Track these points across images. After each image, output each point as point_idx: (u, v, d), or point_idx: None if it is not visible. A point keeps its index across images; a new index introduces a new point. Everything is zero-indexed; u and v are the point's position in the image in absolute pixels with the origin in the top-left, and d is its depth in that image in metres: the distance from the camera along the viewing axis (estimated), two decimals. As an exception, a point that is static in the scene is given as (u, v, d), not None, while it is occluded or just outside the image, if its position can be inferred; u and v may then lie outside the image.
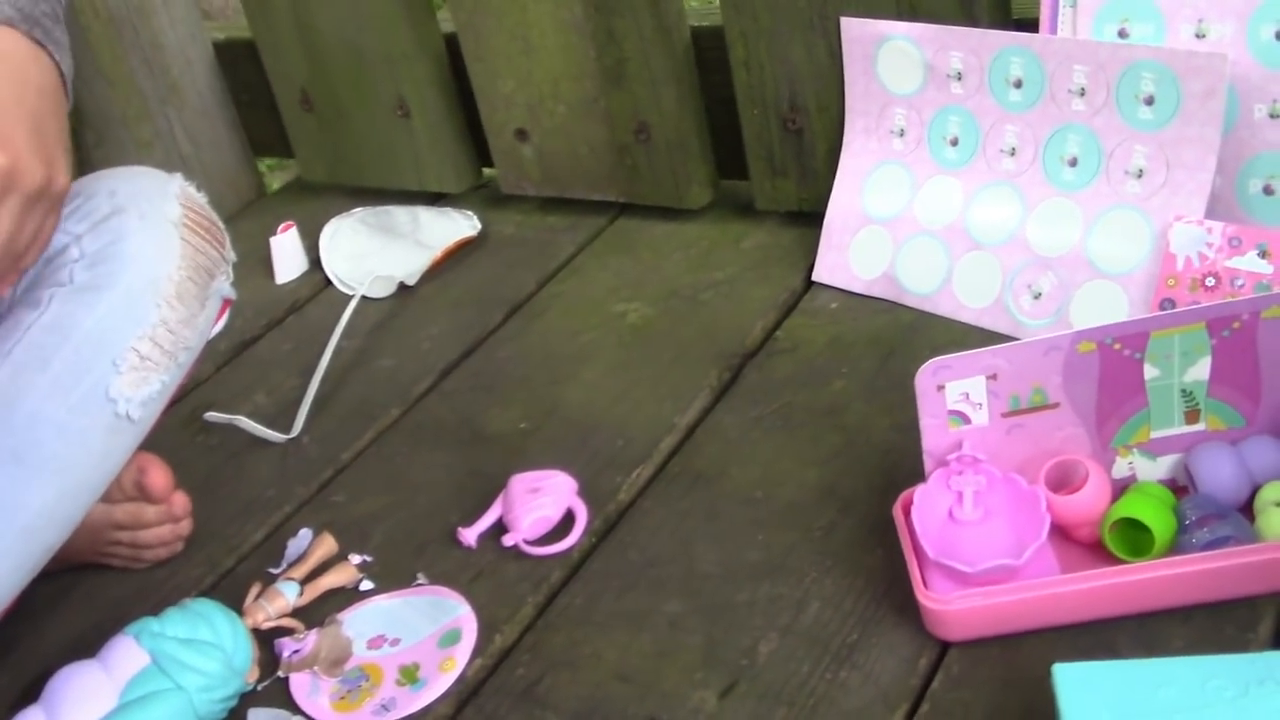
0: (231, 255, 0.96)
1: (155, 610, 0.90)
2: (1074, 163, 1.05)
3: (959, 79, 1.10)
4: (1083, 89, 1.03)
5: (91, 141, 1.62)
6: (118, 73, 1.57)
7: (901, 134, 1.16)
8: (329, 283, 1.41)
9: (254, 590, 0.91)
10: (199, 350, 0.94)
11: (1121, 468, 0.81)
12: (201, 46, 1.63)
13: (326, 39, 1.49)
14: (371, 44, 1.46)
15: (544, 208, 1.45)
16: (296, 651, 0.88)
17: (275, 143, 1.71)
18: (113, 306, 0.87)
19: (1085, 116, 1.03)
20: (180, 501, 1.00)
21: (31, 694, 0.90)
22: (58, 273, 0.88)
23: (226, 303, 0.96)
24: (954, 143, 1.12)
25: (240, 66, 1.64)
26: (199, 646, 0.83)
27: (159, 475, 0.98)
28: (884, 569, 0.85)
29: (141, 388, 0.88)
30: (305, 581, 0.93)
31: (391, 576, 0.95)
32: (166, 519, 1.00)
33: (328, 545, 0.96)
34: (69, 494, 0.88)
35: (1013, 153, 1.08)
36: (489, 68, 1.39)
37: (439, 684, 0.84)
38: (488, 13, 1.35)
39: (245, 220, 1.62)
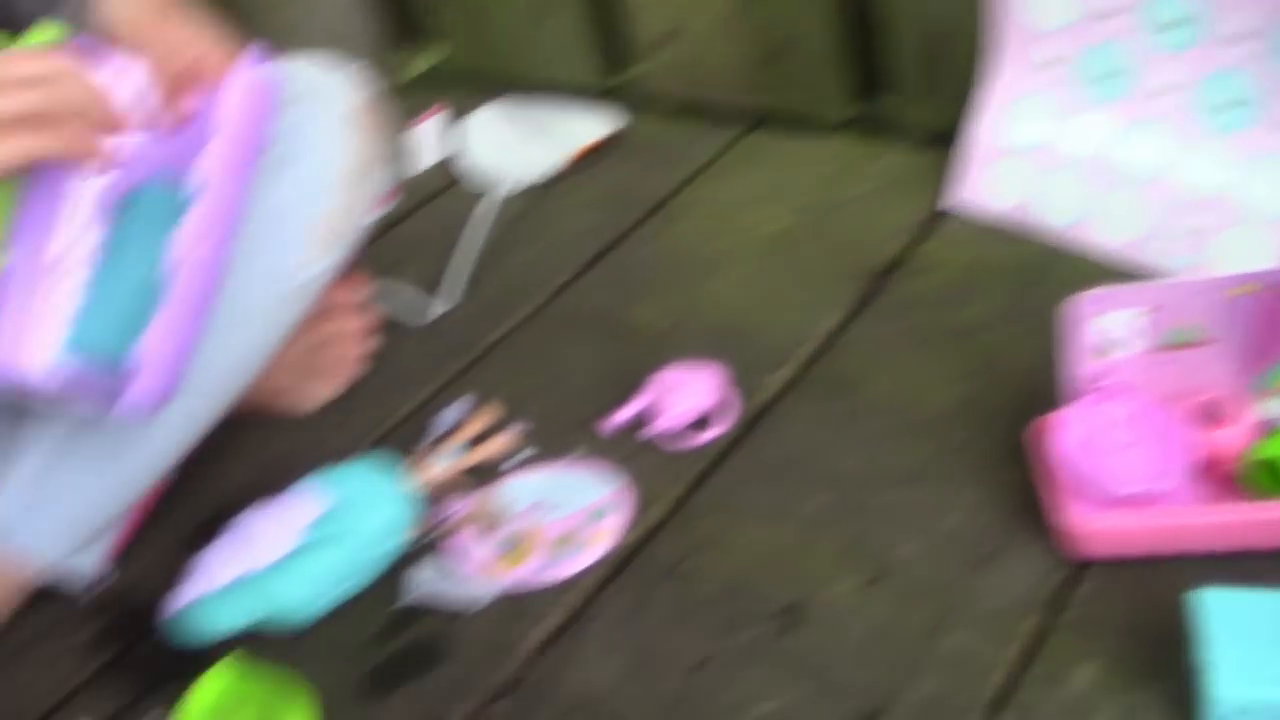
0: (396, 145, 1.01)
1: (321, 462, 0.97)
2: (1230, 105, 1.07)
3: (1112, 15, 1.12)
4: (1242, 32, 1.04)
5: (239, 22, 1.66)
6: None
7: (1051, 65, 1.18)
8: (470, 171, 1.46)
9: (422, 451, 0.98)
10: (362, 232, 1.00)
11: (1269, 409, 0.85)
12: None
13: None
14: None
15: (682, 112, 1.48)
16: (458, 510, 0.94)
17: (421, 28, 1.75)
18: (295, 185, 0.93)
19: (1243, 60, 1.05)
20: (362, 322, 1.08)
21: (207, 528, 0.98)
22: None
23: (389, 191, 1.02)
24: (1105, 77, 1.14)
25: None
26: (374, 498, 0.89)
27: (356, 288, 1.05)
28: (1020, 487, 0.89)
29: (315, 264, 0.95)
30: (468, 446, 0.99)
31: (548, 449, 1.01)
32: (350, 337, 1.08)
33: (490, 414, 1.01)
34: (247, 355, 0.95)
35: (1166, 91, 1.10)
36: (642, -31, 1.42)
37: (591, 552, 0.90)
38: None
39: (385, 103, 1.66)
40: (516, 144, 1.47)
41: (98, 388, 0.78)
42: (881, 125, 1.36)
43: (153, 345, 0.79)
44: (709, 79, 1.44)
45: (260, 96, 0.86)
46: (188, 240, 0.81)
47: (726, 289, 1.18)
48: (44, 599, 0.92)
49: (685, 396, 1.00)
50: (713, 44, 1.41)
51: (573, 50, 1.54)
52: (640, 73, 1.50)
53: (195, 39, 0.88)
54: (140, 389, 0.79)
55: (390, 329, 1.19)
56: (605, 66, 1.55)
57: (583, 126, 1.48)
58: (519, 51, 1.58)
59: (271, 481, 1.02)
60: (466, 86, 1.62)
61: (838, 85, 1.36)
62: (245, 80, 0.86)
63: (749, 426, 1.01)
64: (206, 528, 0.98)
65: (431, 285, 1.25)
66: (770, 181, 1.33)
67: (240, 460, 1.04)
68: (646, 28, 1.45)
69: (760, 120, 1.43)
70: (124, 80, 0.79)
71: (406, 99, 1.68)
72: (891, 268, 1.17)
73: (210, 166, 0.82)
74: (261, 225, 0.91)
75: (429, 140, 1.50)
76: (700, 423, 1.00)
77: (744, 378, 1.04)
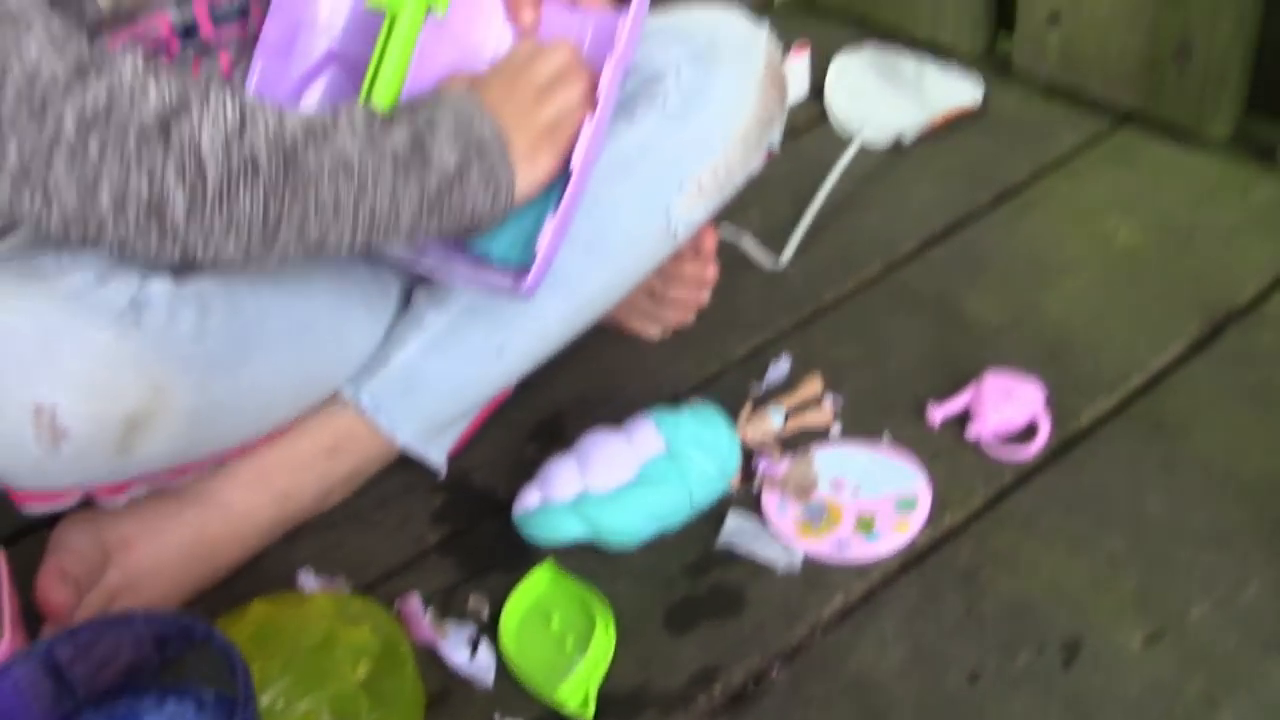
0: (786, 110, 1.06)
1: (650, 387, 1.07)
2: None
3: None
4: None
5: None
6: None
7: None
8: (824, 116, 1.49)
9: (747, 408, 1.04)
10: (742, 185, 1.05)
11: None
12: None
13: (886, -126, 1.51)
14: (930, -110, 1.48)
15: (1050, 93, 1.46)
16: (771, 470, 1.01)
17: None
18: (691, 136, 0.99)
19: None
20: (712, 271, 1.13)
21: (543, 429, 1.09)
22: (654, 93, 0.99)
23: (769, 152, 1.06)
24: None
25: (788, -126, 1.69)
26: (703, 447, 0.97)
27: (711, 236, 1.11)
28: (1332, 576, 0.89)
29: (692, 212, 1.01)
30: (789, 413, 1.05)
31: (859, 426, 1.06)
32: (695, 282, 1.14)
33: (813, 385, 1.07)
34: (616, 284, 1.02)
35: None
36: (1044, -54, 1.39)
37: (891, 541, 0.96)
38: (1063, -107, 1.35)
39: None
40: (879, 97, 1.49)
41: (496, 280, 0.88)
42: (1265, 151, 1.31)
43: (546, 236, 0.87)
44: (1090, 66, 1.41)
45: (640, 26, 0.91)
46: (579, 146, 0.88)
47: (1065, 297, 1.18)
48: (395, 469, 1.04)
49: (1006, 406, 1.03)
50: (1102, 31, 1.38)
51: (954, 9, 1.53)
52: (1019, 45, 1.48)
53: None
54: (535, 272, 0.87)
55: (730, 270, 1.25)
56: (982, 32, 1.54)
57: (949, 90, 1.48)
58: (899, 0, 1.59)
59: (605, 395, 1.12)
60: (833, 23, 1.64)
61: (1229, 99, 1.31)
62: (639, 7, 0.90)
63: (1061, 450, 1.03)
64: (544, 428, 1.09)
65: (775, 229, 1.30)
66: (1133, 188, 1.31)
67: (579, 370, 1.13)
68: (1035, 4, 1.43)
69: (1129, 117, 1.40)
70: None
71: (773, 27, 1.72)
72: (1243, 311, 1.14)
73: (603, 82, 0.88)
74: (656, 165, 0.98)
75: (794, 76, 1.53)
76: (1015, 436, 1.03)
77: (1065, 397, 1.06)
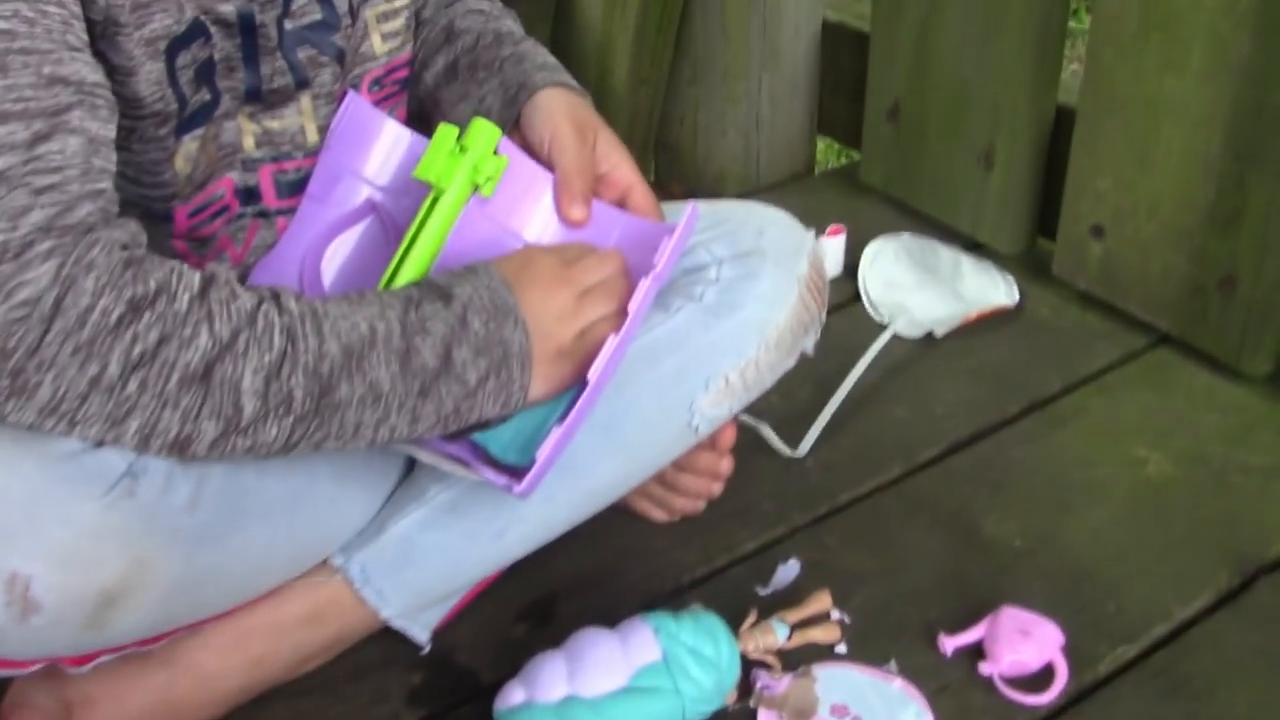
0: (824, 317, 1.03)
1: (647, 574, 1.03)
2: None
3: None
4: None
5: (687, 77, 1.72)
6: (736, 29, 1.65)
7: None
8: (858, 296, 1.47)
9: (750, 618, 1.00)
10: (770, 390, 1.02)
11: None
12: (813, 21, 1.70)
13: (940, 63, 1.51)
14: (984, 86, 1.47)
15: (1086, 302, 1.44)
16: (770, 688, 0.96)
17: (842, 130, 1.77)
18: (725, 333, 0.96)
19: None
20: (727, 464, 1.10)
21: (534, 609, 1.04)
22: (693, 286, 0.97)
23: (802, 353, 1.03)
24: None
25: (841, 51, 1.69)
26: (702, 660, 0.92)
27: (730, 431, 1.08)
28: None
29: (715, 409, 0.97)
30: (794, 627, 1.00)
31: (866, 647, 1.01)
32: (708, 474, 1.10)
33: (821, 602, 1.02)
34: (630, 474, 0.99)
35: None
36: (1094, 159, 1.38)
37: (888, 783, 0.90)
38: (1116, 111, 1.33)
39: (790, 193, 1.70)
40: (914, 286, 1.46)
41: (498, 476, 0.84)
42: (1306, 390, 1.28)
43: (548, 446, 0.83)
44: (1130, 284, 1.39)
45: (686, 237, 0.90)
46: (598, 360, 0.85)
47: (1089, 527, 1.14)
48: (374, 635, 0.98)
49: (1023, 646, 0.98)
50: (1146, 251, 1.36)
51: (996, 208, 1.51)
52: (1059, 253, 1.46)
53: (612, 153, 0.96)
54: (530, 477, 0.83)
55: (745, 455, 1.21)
56: (1022, 234, 1.52)
57: (985, 287, 1.45)
58: (937, 192, 1.57)
59: (603, 578, 1.07)
60: (872, 201, 1.63)
61: (1271, 337, 1.29)
62: (686, 222, 0.90)
63: (1077, 698, 0.97)
64: (535, 608, 1.05)
65: (796, 413, 1.26)
66: (1167, 415, 1.27)
67: (577, 548, 1.08)
68: (1081, 212, 1.41)
69: (1167, 338, 1.37)
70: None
71: (810, 192, 1.72)
72: (1275, 565, 1.10)
73: (635, 298, 0.86)
74: (685, 358, 0.95)
75: (829, 255, 1.51)
76: (1029, 678, 0.98)
77: (1084, 641, 1.01)
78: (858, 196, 1.66)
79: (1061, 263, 1.46)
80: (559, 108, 0.96)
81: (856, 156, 1.73)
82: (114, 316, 0.68)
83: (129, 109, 0.81)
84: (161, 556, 0.78)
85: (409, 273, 0.85)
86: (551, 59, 1.01)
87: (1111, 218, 1.38)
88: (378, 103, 0.98)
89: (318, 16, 0.89)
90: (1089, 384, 1.33)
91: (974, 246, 1.54)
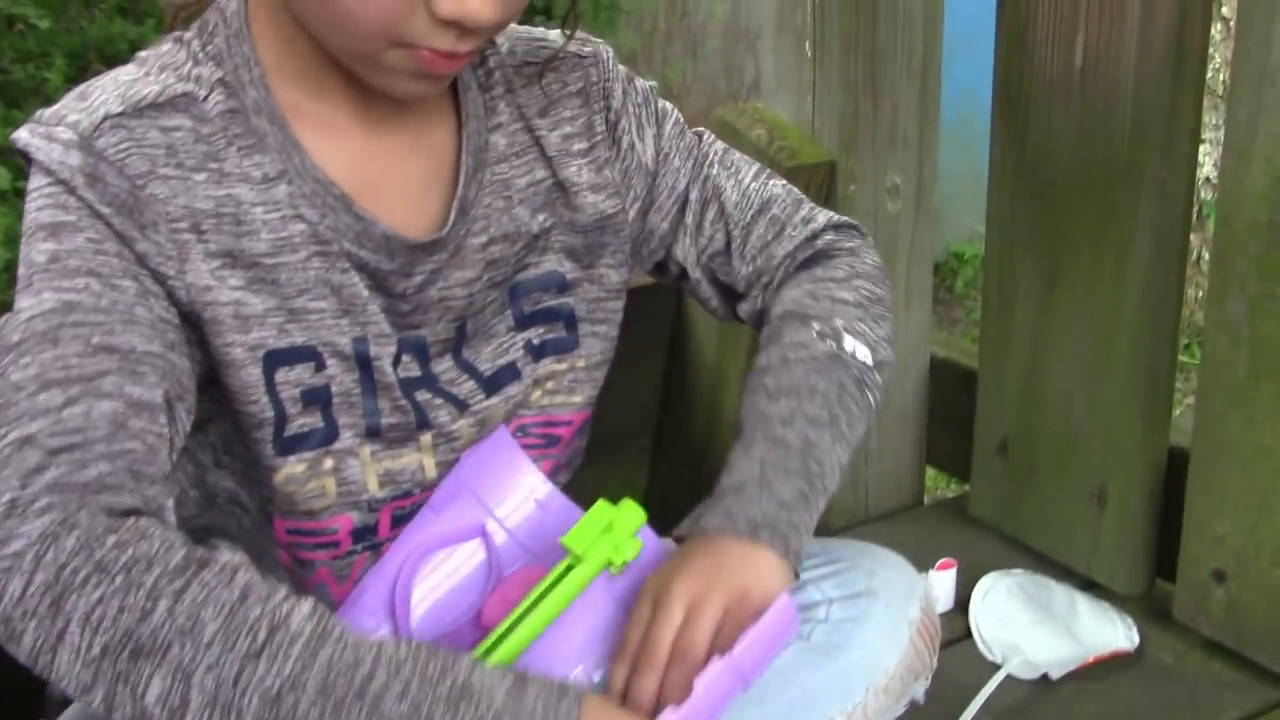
0: (934, 664, 1.00)
1: None
2: None
3: None
4: None
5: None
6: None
7: None
8: (969, 633, 1.43)
9: None
10: None
11: None
12: (921, 357, 1.73)
13: (1050, 403, 1.52)
14: (1094, 426, 1.48)
15: (1211, 649, 1.38)
16: None
17: (951, 463, 1.77)
18: (833, 675, 0.95)
19: None
20: None
21: None
22: (803, 624, 0.96)
23: (912, 701, 1.01)
24: None
25: (948, 387, 1.72)
26: None
27: None
28: None
29: None
30: None
31: None
32: None
33: None
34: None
35: None
36: (1211, 502, 1.36)
37: None
38: (1231, 455, 1.32)
39: (899, 524, 1.69)
40: (1027, 625, 1.42)
41: None
42: None
43: None
44: (1257, 633, 1.33)
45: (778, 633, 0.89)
46: None
47: None
48: None
49: None
50: (1273, 598, 1.31)
51: (1112, 549, 1.49)
52: (1179, 597, 1.42)
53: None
54: None
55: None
56: (1140, 576, 1.48)
57: (1103, 629, 1.41)
58: (1049, 530, 1.55)
59: None
60: (980, 534, 1.61)
61: None
62: (776, 613, 0.88)
63: None
64: None
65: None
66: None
67: None
68: (1201, 556, 1.38)
69: (1304, 695, 1.31)
70: None
71: (917, 523, 1.71)
72: None
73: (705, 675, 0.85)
74: (790, 698, 0.93)
75: (939, 589, 1.48)
76: None
77: None
78: (967, 529, 1.64)
79: (1182, 607, 1.41)
80: (675, 566, 0.90)
81: (968, 488, 1.73)
82: (79, 576, 0.71)
83: (230, 399, 0.87)
84: None
85: (528, 630, 0.87)
86: (754, 473, 0.93)
87: (1234, 562, 1.34)
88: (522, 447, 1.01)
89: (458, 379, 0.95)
90: (1218, 740, 1.26)
91: (1089, 586, 1.50)
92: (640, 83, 1.04)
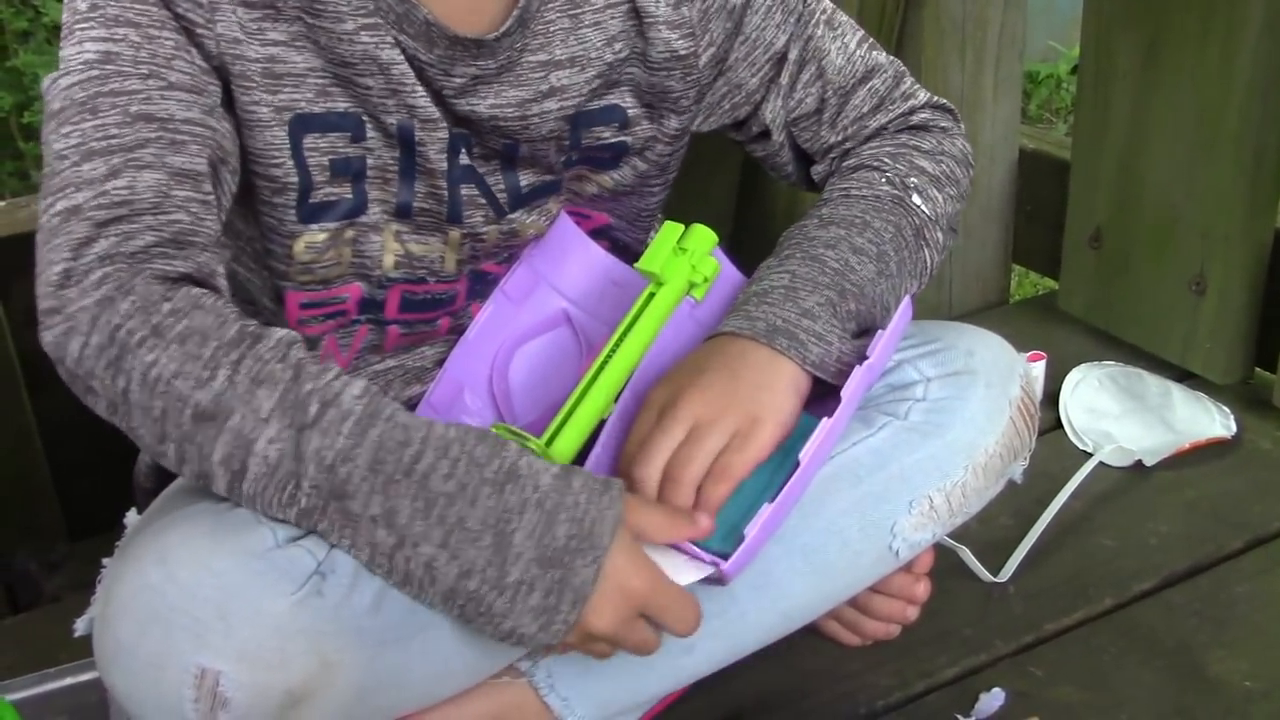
0: (1034, 444, 0.98)
1: (838, 695, 0.99)
2: None
3: None
4: None
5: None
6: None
7: None
8: (1059, 424, 1.40)
9: (955, 748, 0.93)
10: (972, 516, 0.97)
11: None
12: (1009, 149, 1.67)
13: (1147, 189, 1.46)
14: (1193, 212, 1.42)
15: (1312, 435, 1.35)
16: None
17: (1038, 259, 1.72)
18: (931, 453, 0.92)
19: None
20: (924, 588, 1.03)
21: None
22: (898, 404, 0.93)
23: (1009, 481, 0.98)
24: None
25: (1040, 180, 1.66)
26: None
27: (928, 553, 1.01)
28: None
29: (918, 533, 0.93)
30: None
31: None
32: (904, 597, 1.04)
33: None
34: (826, 596, 0.95)
35: None
36: (1318, 283, 1.31)
37: None
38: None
39: (984, 321, 1.62)
40: (1119, 415, 1.40)
41: (705, 555, 0.82)
42: None
43: (757, 523, 0.81)
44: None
45: (901, 329, 0.88)
46: (810, 443, 0.83)
47: (1329, 669, 1.04)
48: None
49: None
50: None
51: (1209, 337, 1.44)
52: (1277, 382, 1.38)
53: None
54: (738, 555, 0.82)
55: (943, 580, 1.15)
56: (1238, 365, 1.44)
57: (1198, 418, 1.37)
58: (1145, 321, 1.51)
59: (791, 699, 1.03)
60: (1071, 331, 1.57)
61: None
62: (900, 313, 0.88)
63: None
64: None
65: (996, 541, 1.20)
66: None
67: (765, 667, 1.02)
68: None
69: None
70: None
71: (1004, 322, 1.67)
72: None
73: (850, 384, 0.84)
74: (887, 478, 0.91)
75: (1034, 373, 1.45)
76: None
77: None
78: (1056, 325, 1.60)
79: (1281, 391, 1.37)
80: (688, 373, 0.87)
81: (1052, 288, 1.68)
82: (135, 338, 0.73)
83: (249, 161, 0.85)
84: (346, 659, 0.77)
85: (624, 360, 0.86)
86: (783, 282, 0.89)
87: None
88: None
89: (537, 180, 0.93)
90: (1319, 520, 1.23)
91: (1185, 377, 1.46)
92: None
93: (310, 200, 0.87)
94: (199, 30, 0.81)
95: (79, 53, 0.79)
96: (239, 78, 0.82)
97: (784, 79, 0.98)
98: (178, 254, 0.77)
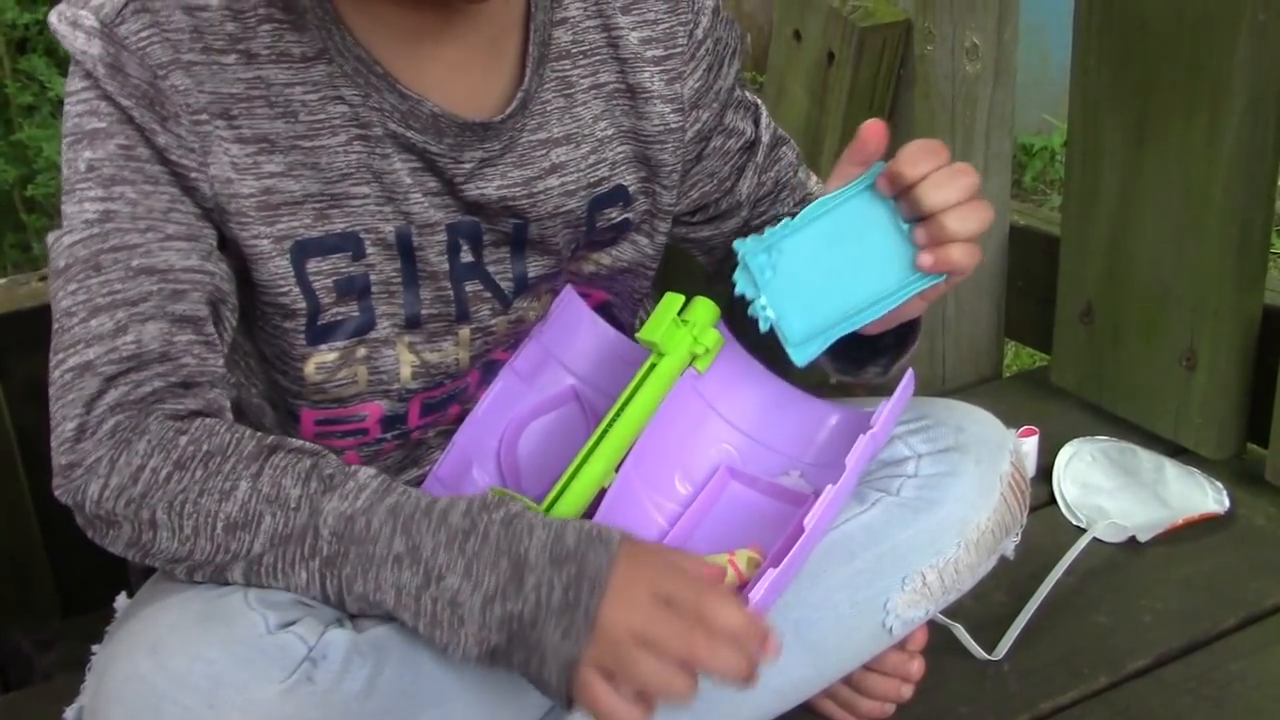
0: (1025, 519, 0.98)
1: None
2: None
3: None
4: None
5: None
6: (922, 231, 1.66)
7: None
8: (1052, 499, 1.40)
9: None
10: (966, 593, 0.97)
11: None
12: (1000, 225, 1.69)
13: (1136, 265, 1.48)
14: (1183, 287, 1.43)
15: (1305, 511, 1.35)
16: None
17: (1030, 333, 1.74)
18: (924, 530, 0.93)
19: None
20: (918, 666, 1.03)
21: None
22: (890, 480, 0.94)
23: (1002, 557, 0.99)
24: None
25: (1030, 256, 1.67)
26: None
27: (922, 631, 1.01)
28: None
29: (912, 610, 0.93)
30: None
31: None
32: (898, 675, 1.03)
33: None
34: (819, 675, 0.95)
35: None
36: (1308, 358, 1.32)
37: None
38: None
39: (978, 397, 1.64)
40: (1112, 490, 1.40)
41: None
42: None
43: (761, 587, 0.80)
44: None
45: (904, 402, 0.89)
46: (814, 513, 0.82)
47: (1325, 750, 1.03)
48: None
49: None
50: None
51: (1201, 413, 1.45)
52: (1272, 459, 1.38)
53: None
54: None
55: (937, 657, 1.15)
56: (1230, 440, 1.44)
57: (1191, 492, 1.38)
58: (1136, 396, 1.51)
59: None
60: (1063, 405, 1.58)
61: None
62: (904, 387, 0.89)
63: None
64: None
65: (990, 618, 1.19)
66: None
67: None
68: (1294, 414, 1.34)
69: (1404, 551, 1.27)
70: None
71: (997, 396, 1.67)
72: None
73: (854, 452, 0.84)
74: (880, 555, 0.92)
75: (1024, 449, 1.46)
76: None
77: None
78: (1049, 400, 1.61)
79: (1276, 469, 1.37)
80: None
81: (1043, 362, 1.69)
82: (161, 475, 0.78)
83: (258, 291, 0.86)
84: None
85: (624, 428, 0.87)
86: None
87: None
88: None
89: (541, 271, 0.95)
90: (1312, 597, 1.23)
91: (1177, 452, 1.47)
92: (738, 26, 1.01)
93: (319, 322, 0.89)
94: (193, 175, 0.83)
95: (80, 211, 0.82)
96: (236, 215, 0.84)
97: (759, 158, 1.02)
98: (186, 394, 0.81)
